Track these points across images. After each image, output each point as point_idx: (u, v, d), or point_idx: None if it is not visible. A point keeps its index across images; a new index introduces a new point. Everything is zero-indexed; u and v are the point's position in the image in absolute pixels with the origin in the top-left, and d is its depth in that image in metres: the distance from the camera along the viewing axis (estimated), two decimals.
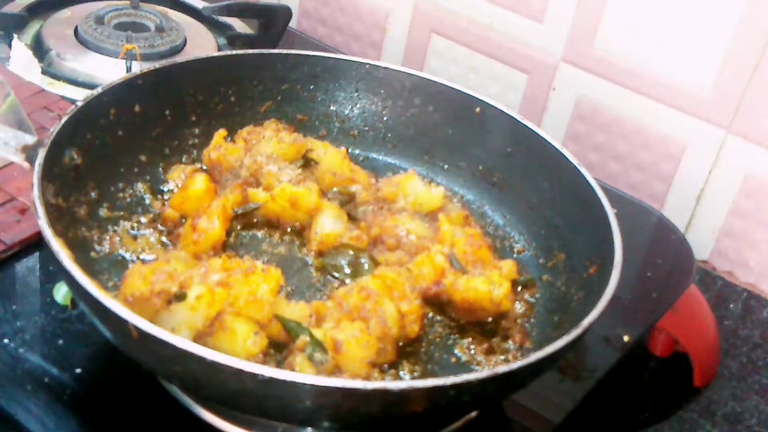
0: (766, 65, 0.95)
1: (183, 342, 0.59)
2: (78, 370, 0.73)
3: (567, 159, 0.86)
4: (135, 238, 0.82)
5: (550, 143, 0.89)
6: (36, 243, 0.83)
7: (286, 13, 1.22)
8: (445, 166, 0.98)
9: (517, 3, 1.11)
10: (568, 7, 1.07)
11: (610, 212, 0.80)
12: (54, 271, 0.82)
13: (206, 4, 1.25)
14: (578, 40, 1.08)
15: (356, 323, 0.71)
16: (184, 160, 0.92)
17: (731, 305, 0.98)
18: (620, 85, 1.06)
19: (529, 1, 1.10)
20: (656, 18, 1.01)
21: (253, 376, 0.58)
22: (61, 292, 0.79)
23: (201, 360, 0.59)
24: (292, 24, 1.27)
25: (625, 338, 0.85)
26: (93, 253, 0.80)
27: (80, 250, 0.77)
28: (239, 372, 0.58)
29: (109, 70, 1.07)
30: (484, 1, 1.14)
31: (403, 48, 1.23)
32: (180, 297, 0.69)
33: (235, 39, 1.21)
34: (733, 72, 0.97)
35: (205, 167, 0.91)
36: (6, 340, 0.75)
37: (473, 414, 0.75)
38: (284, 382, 0.58)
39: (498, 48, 1.15)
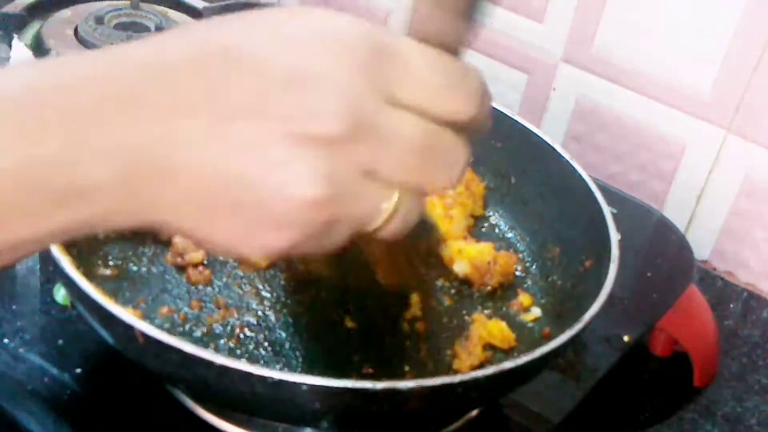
0: (766, 65, 0.95)
1: (190, 347, 0.59)
2: (78, 370, 0.73)
3: (557, 152, 0.86)
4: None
5: (540, 137, 0.89)
6: None
7: None
8: None
9: (517, 3, 1.11)
10: (568, 7, 1.07)
11: (604, 205, 0.80)
12: (54, 271, 0.82)
13: (206, 4, 1.25)
14: (578, 40, 1.08)
15: None
16: None
17: (731, 305, 0.98)
18: (620, 85, 1.06)
19: (529, 1, 1.10)
20: (656, 18, 1.01)
21: (263, 379, 0.58)
22: (62, 293, 0.79)
23: (209, 364, 0.58)
24: None
25: (625, 338, 0.84)
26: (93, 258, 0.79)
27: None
28: (248, 375, 0.58)
29: None
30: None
31: None
32: None
33: None
34: (733, 72, 0.97)
35: None
36: (6, 340, 0.75)
37: (473, 413, 0.75)
38: (293, 384, 0.58)
39: (498, 48, 1.15)
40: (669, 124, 1.04)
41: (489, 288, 0.83)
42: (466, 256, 0.82)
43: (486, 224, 0.93)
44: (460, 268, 0.83)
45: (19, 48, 1.09)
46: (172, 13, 1.22)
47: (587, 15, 1.06)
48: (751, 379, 0.88)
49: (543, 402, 0.78)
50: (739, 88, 0.97)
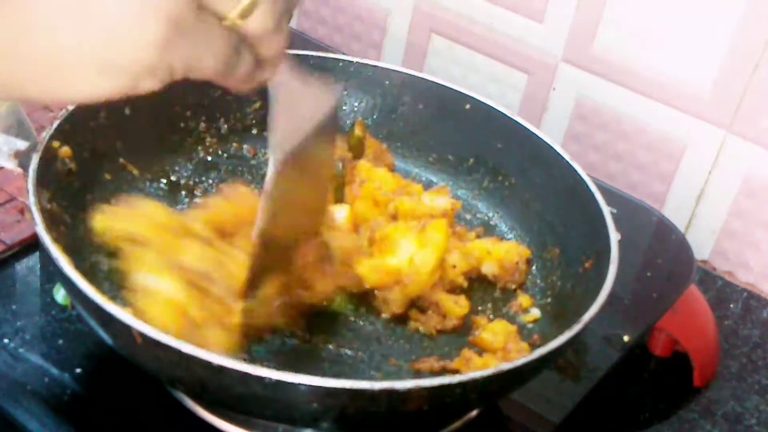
0: (766, 65, 0.95)
1: (188, 347, 0.59)
2: (78, 370, 0.73)
3: (558, 153, 0.87)
4: None
5: (540, 138, 0.89)
6: (36, 243, 0.83)
7: None
8: (436, 163, 0.98)
9: (517, 3, 1.11)
10: (568, 7, 1.07)
11: (604, 206, 0.80)
12: (54, 271, 0.82)
13: None
14: (578, 40, 1.08)
15: None
16: None
17: (731, 305, 0.98)
18: (620, 85, 1.06)
19: (529, 1, 1.10)
20: (656, 18, 1.01)
21: (260, 379, 0.58)
22: (62, 293, 0.79)
23: (207, 365, 0.58)
24: (292, 24, 1.27)
25: (625, 338, 0.84)
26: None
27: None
28: (246, 376, 0.58)
29: None
30: (484, 1, 1.14)
31: (403, 48, 1.23)
32: None
33: None
34: (733, 72, 0.97)
35: None
36: (6, 340, 0.75)
37: (473, 413, 0.75)
38: (291, 384, 0.58)
39: (498, 48, 1.15)
40: (669, 124, 1.04)
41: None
42: (495, 257, 0.83)
43: (486, 225, 0.93)
44: (488, 269, 0.83)
45: None
46: None
47: (587, 15, 1.06)
48: (751, 379, 0.88)
49: (543, 402, 0.78)
50: (739, 87, 0.97)
